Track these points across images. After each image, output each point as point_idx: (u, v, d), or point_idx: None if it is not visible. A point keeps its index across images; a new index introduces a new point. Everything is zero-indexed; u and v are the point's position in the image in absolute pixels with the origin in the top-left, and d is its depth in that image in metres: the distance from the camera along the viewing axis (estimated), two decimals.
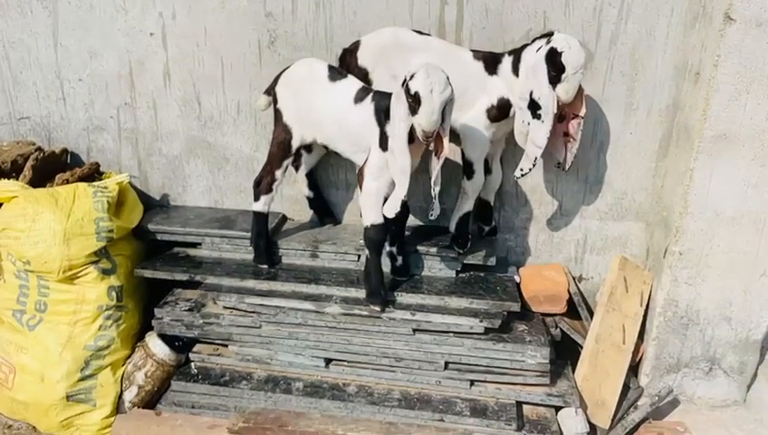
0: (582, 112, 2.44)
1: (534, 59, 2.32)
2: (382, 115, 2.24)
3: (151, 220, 2.89)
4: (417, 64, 2.08)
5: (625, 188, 2.83)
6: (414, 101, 2.05)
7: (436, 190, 2.26)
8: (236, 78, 2.83)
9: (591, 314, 2.86)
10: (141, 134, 2.99)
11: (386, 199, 2.36)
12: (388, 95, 2.27)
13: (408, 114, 2.09)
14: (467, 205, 2.63)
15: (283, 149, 2.51)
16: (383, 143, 2.26)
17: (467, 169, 2.54)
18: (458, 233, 2.66)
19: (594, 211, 2.88)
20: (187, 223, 2.88)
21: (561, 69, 2.25)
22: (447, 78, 2.07)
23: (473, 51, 2.50)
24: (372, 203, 2.36)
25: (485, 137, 2.51)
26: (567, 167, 2.58)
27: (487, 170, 2.71)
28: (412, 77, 2.05)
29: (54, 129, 3.03)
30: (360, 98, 2.31)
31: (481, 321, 2.49)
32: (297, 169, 2.85)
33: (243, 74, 2.81)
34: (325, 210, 2.97)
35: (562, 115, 2.48)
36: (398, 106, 2.13)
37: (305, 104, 2.41)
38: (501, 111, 2.46)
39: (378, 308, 2.50)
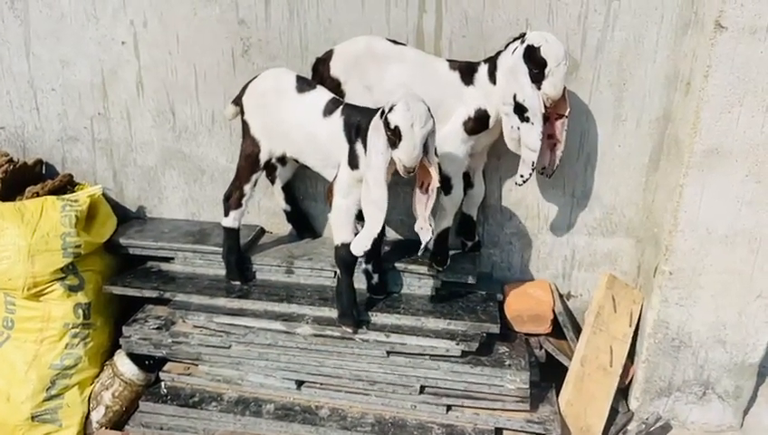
0: (567, 111, 2.33)
1: (512, 61, 2.21)
2: (352, 131, 2.14)
3: (124, 234, 2.81)
4: (398, 96, 1.97)
5: (614, 202, 2.70)
6: (394, 135, 1.95)
7: (428, 234, 2.15)
8: (210, 87, 2.74)
9: (580, 333, 2.74)
10: (116, 145, 2.91)
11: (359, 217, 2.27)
12: (359, 110, 2.17)
13: (388, 147, 1.99)
14: (446, 221, 2.52)
15: (251, 163, 2.42)
16: (352, 161, 2.16)
17: (445, 184, 2.42)
18: (437, 250, 2.55)
19: (582, 226, 2.76)
20: (160, 237, 2.80)
21: (543, 64, 2.15)
22: (428, 109, 1.96)
23: (449, 61, 2.39)
24: (342, 221, 2.26)
25: (463, 150, 2.40)
26: (552, 172, 2.46)
27: (469, 184, 2.60)
28: (391, 109, 1.94)
29: (29, 139, 2.96)
30: (329, 110, 2.21)
31: (458, 343, 2.38)
32: (273, 181, 2.76)
33: (217, 83, 2.73)
34: (304, 224, 2.88)
35: (546, 116, 2.35)
36: (377, 138, 2.02)
37: (273, 117, 2.32)
38: (478, 123, 2.35)
39: (350, 330, 2.40)
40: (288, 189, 2.77)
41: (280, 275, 2.69)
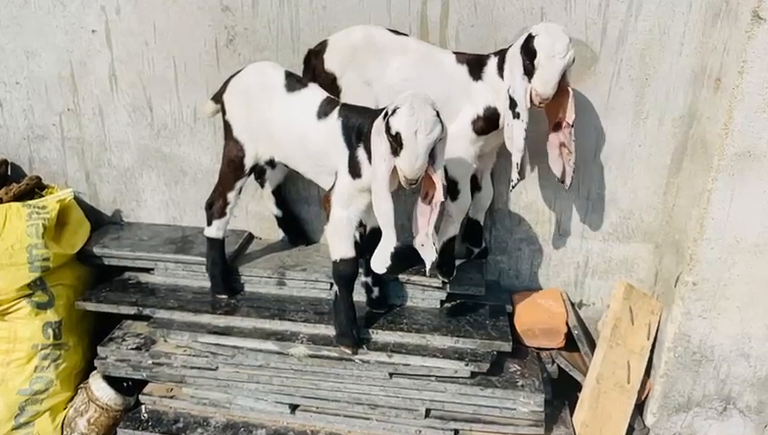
0: (571, 119, 2.10)
1: (512, 50, 2.02)
2: (352, 135, 1.91)
3: (98, 242, 2.57)
4: (403, 97, 1.75)
5: (632, 206, 2.50)
6: (395, 142, 1.73)
7: (430, 251, 1.94)
8: (191, 81, 2.48)
9: (593, 345, 2.56)
10: (88, 144, 2.65)
11: (364, 229, 2.06)
12: (359, 111, 1.94)
13: (390, 154, 1.77)
14: (452, 229, 2.31)
15: (234, 169, 2.18)
16: (353, 168, 1.93)
17: (451, 188, 2.21)
18: (443, 260, 2.34)
19: (597, 231, 2.56)
20: (138, 245, 2.56)
21: (534, 54, 1.93)
22: (437, 114, 1.74)
23: (456, 53, 2.17)
24: (341, 235, 2.03)
25: (471, 152, 2.18)
26: (568, 182, 2.25)
27: (476, 187, 2.39)
28: (394, 112, 1.72)
29: None
30: (324, 112, 1.97)
31: (467, 364, 2.18)
32: (262, 185, 2.53)
33: (198, 77, 2.47)
34: (296, 229, 2.65)
35: (558, 123, 2.14)
36: (379, 142, 1.80)
37: (258, 117, 2.08)
38: (488, 123, 2.12)
39: (348, 351, 2.19)
40: (279, 193, 2.54)
41: (271, 288, 2.47)
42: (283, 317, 2.31)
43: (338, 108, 1.96)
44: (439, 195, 1.84)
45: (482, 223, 2.51)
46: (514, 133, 2.02)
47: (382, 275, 2.14)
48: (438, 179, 1.82)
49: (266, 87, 2.05)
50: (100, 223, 2.74)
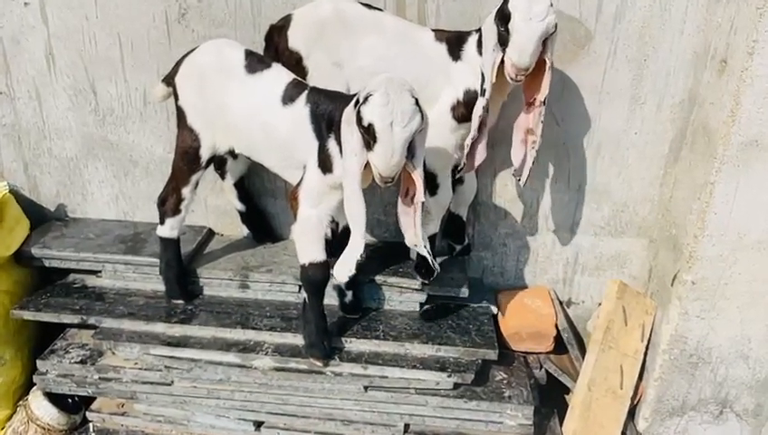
0: (543, 96, 1.83)
1: (488, 20, 1.78)
2: (322, 124, 1.68)
3: (39, 241, 2.30)
4: (377, 81, 1.52)
5: (626, 198, 2.32)
6: (368, 135, 1.50)
7: (423, 250, 1.73)
8: (139, 61, 2.21)
9: (583, 347, 2.39)
10: (24, 131, 2.37)
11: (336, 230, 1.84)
12: (331, 96, 1.71)
13: (363, 147, 1.54)
14: (432, 226, 2.10)
15: (189, 161, 1.93)
16: (324, 162, 1.70)
17: (430, 182, 1.99)
18: (422, 260, 2.13)
19: (587, 225, 2.37)
20: (83, 245, 2.30)
21: (508, 17, 1.68)
22: (416, 101, 1.51)
23: (435, 31, 1.93)
24: (310, 237, 1.81)
25: (452, 142, 1.97)
26: (524, 177, 1.97)
27: (459, 180, 2.18)
28: (366, 99, 1.49)
29: None
30: (290, 97, 1.73)
31: (450, 375, 1.99)
32: (223, 176, 2.28)
33: (147, 56, 2.20)
34: (261, 225, 2.41)
35: (530, 103, 1.91)
36: (349, 134, 1.57)
37: (215, 103, 1.83)
38: (469, 108, 1.89)
39: (319, 363, 1.98)
40: (241, 185, 2.30)
41: (233, 291, 2.24)
42: (245, 325, 2.09)
43: (306, 92, 1.72)
44: (420, 194, 1.62)
45: (464, 218, 2.30)
46: (474, 110, 1.80)
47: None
48: (419, 177, 1.60)
49: (223, 68, 1.80)
50: (43, 219, 2.47)
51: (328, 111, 1.66)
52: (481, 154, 1.90)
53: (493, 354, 2.05)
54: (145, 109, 2.29)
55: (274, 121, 1.74)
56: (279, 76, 1.76)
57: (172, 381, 2.05)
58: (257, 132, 1.79)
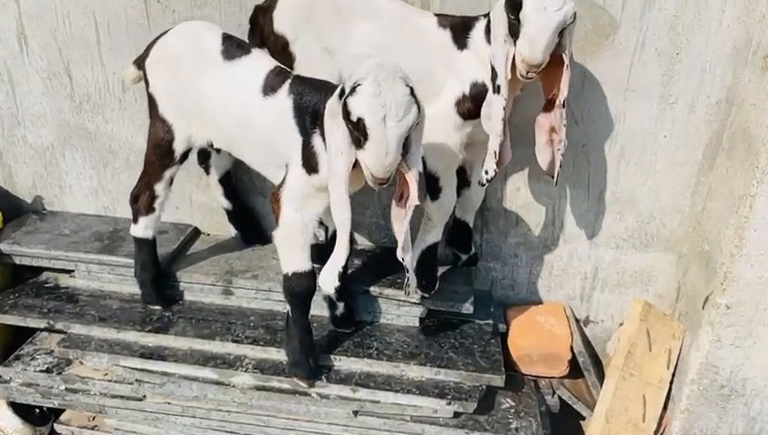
0: (562, 96, 1.63)
1: (497, 6, 1.57)
2: (306, 118, 1.48)
3: (10, 237, 2.13)
4: (365, 68, 1.31)
5: (652, 208, 2.09)
6: (356, 130, 1.30)
7: (406, 260, 1.52)
8: (117, 43, 2.03)
9: (601, 370, 2.16)
10: None
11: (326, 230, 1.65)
12: (317, 87, 1.50)
13: (350, 144, 1.34)
14: (432, 234, 1.88)
15: (161, 155, 1.74)
16: (309, 161, 1.50)
17: (431, 185, 1.78)
18: (422, 271, 1.92)
19: (609, 237, 2.15)
20: (56, 241, 2.12)
21: (519, 5, 1.47)
22: (411, 91, 1.31)
23: (438, 16, 1.72)
24: (294, 243, 1.61)
25: (456, 141, 1.75)
26: (556, 174, 1.77)
27: (465, 183, 1.97)
28: (354, 90, 1.28)
29: None
30: (271, 87, 1.53)
31: (449, 402, 1.78)
32: (207, 171, 2.09)
33: (125, 38, 2.02)
34: (249, 226, 2.21)
35: (551, 101, 1.69)
36: (335, 129, 1.36)
37: (189, 92, 1.63)
38: (476, 103, 1.68)
39: (303, 383, 1.78)
40: (227, 182, 2.10)
41: (215, 297, 2.05)
42: (225, 337, 1.89)
43: (289, 82, 1.52)
44: (414, 198, 1.41)
45: (471, 225, 2.09)
46: (492, 111, 1.59)
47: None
48: (413, 179, 1.39)
49: (198, 54, 1.60)
50: (19, 211, 2.31)
51: (312, 104, 1.46)
52: (508, 155, 1.68)
53: (499, 380, 1.83)
54: (124, 95, 2.10)
55: (254, 114, 1.54)
56: (259, 63, 1.56)
57: (144, 396, 1.86)
58: (235, 126, 1.59)
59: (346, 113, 1.29)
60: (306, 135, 1.48)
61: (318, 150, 1.47)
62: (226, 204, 2.14)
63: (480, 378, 1.83)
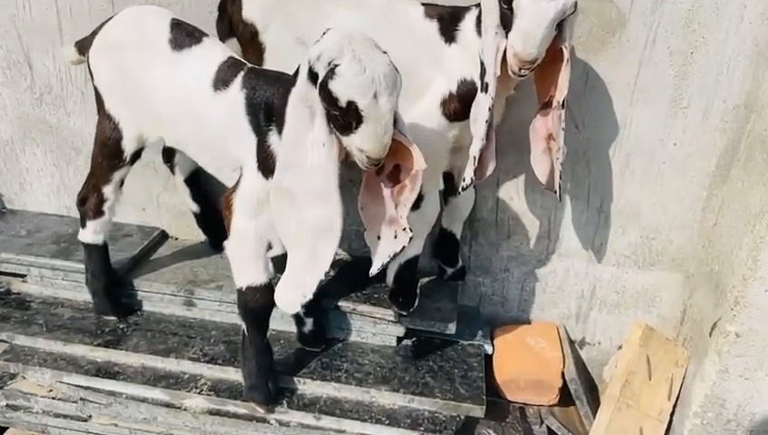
0: (561, 96, 1.46)
1: None
2: (260, 115, 1.31)
3: None
4: (328, 39, 1.16)
5: (658, 223, 1.90)
6: (346, 116, 1.15)
7: (407, 232, 1.37)
8: (80, 30, 1.85)
9: (595, 398, 1.98)
10: None
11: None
12: (271, 79, 1.34)
13: (331, 134, 1.20)
14: (413, 247, 1.70)
15: (109, 155, 1.58)
16: (264, 162, 1.33)
17: None
18: (400, 288, 1.74)
19: (609, 253, 1.96)
20: (9, 243, 1.98)
21: None
22: (389, 59, 1.17)
23: (425, 5, 1.54)
24: (248, 254, 1.44)
25: (442, 144, 1.57)
26: (557, 188, 1.59)
27: (451, 190, 1.78)
28: (332, 73, 1.12)
29: None
30: (223, 81, 1.36)
31: (422, 434, 1.59)
32: (173, 171, 1.92)
33: (88, 24, 1.82)
34: (218, 230, 1.99)
35: (548, 103, 1.51)
36: (306, 122, 1.20)
37: (136, 85, 1.46)
38: (464, 103, 1.50)
39: (261, 409, 1.61)
40: (194, 182, 1.94)
41: (176, 308, 1.89)
42: (181, 353, 1.73)
43: (242, 74, 1.35)
44: (419, 161, 1.28)
45: (458, 236, 1.91)
46: (479, 112, 1.41)
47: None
48: (411, 142, 1.28)
49: (144, 42, 1.43)
50: None
51: (266, 99, 1.29)
52: (490, 163, 1.51)
53: (479, 411, 1.65)
54: (87, 87, 1.94)
55: (204, 111, 1.37)
56: (211, 54, 1.39)
57: (90, 416, 1.70)
58: (185, 124, 1.42)
59: (330, 100, 1.13)
60: (261, 134, 1.31)
61: (275, 150, 1.30)
62: (194, 207, 1.98)
63: (458, 407, 1.65)
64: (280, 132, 1.29)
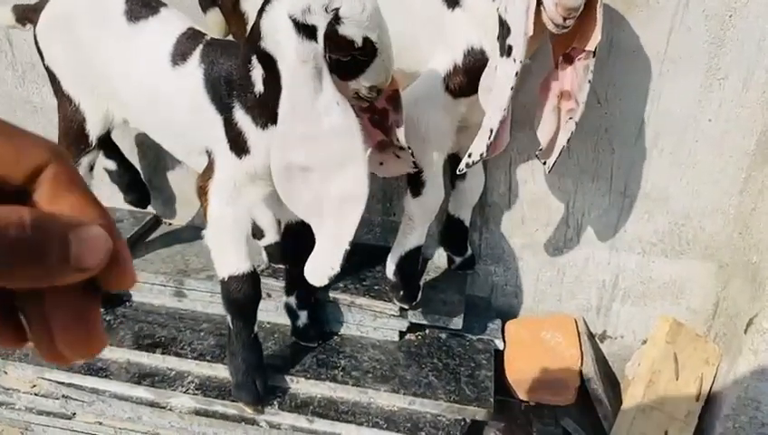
0: (593, 44, 1.25)
1: None
2: (221, 90, 1.17)
3: None
4: None
5: (689, 207, 1.71)
6: (362, 56, 1.03)
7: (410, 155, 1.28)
8: None
9: (617, 396, 1.83)
10: None
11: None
12: (228, 49, 1.19)
13: (333, 85, 1.04)
14: (414, 237, 1.55)
15: (74, 138, 1.45)
16: (236, 142, 1.19)
17: (412, 178, 1.45)
18: (402, 280, 1.60)
19: (634, 240, 1.79)
20: None
21: None
22: None
23: None
24: (228, 242, 1.31)
25: (446, 125, 1.41)
26: (551, 161, 1.40)
27: (459, 175, 1.62)
28: (337, 20, 0.99)
29: None
30: (181, 55, 1.21)
31: None
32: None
33: None
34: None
35: (568, 56, 1.32)
36: (307, 81, 1.03)
37: (91, 62, 1.32)
38: (471, 76, 1.33)
39: (249, 409, 1.50)
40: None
41: (166, 299, 1.78)
42: (168, 349, 1.62)
43: (200, 47, 1.20)
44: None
45: (467, 222, 1.75)
46: (499, 79, 1.23)
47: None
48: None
49: (96, 13, 1.29)
50: None
51: (224, 71, 1.15)
52: (505, 138, 1.33)
53: (485, 414, 1.51)
54: None
55: (162, 89, 1.23)
56: (169, 25, 1.24)
57: (74, 414, 1.61)
58: (144, 104, 1.29)
59: (345, 45, 0.99)
60: (226, 111, 1.16)
61: (243, 127, 1.16)
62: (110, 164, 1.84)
63: (463, 410, 1.51)
64: (245, 106, 1.15)
